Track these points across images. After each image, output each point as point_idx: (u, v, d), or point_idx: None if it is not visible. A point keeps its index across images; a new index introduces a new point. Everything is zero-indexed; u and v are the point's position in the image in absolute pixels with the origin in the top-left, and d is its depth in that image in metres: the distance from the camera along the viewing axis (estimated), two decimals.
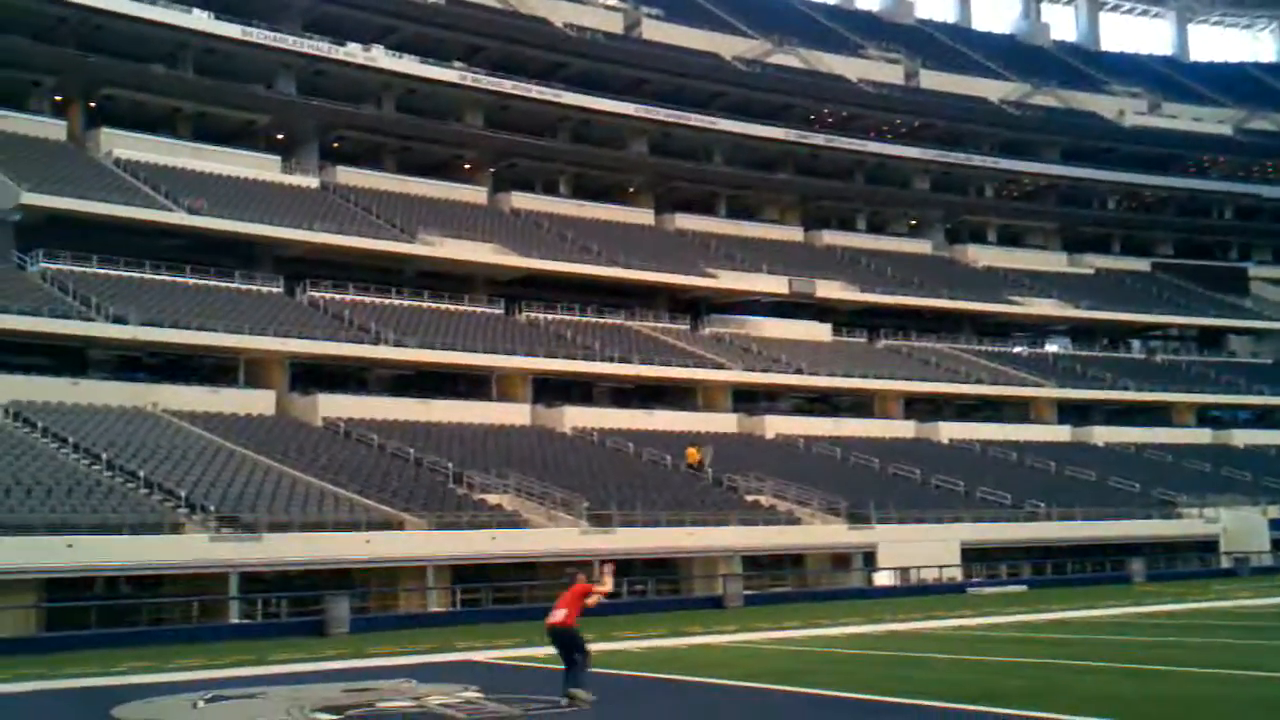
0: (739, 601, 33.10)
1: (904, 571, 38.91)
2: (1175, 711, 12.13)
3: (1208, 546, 47.04)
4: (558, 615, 14.08)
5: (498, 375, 46.82)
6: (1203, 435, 62.31)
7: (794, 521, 39.38)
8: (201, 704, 14.89)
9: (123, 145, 48.38)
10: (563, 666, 14.11)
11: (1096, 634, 22.44)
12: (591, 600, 14.27)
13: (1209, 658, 17.85)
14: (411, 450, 38.34)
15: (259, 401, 40.53)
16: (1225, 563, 45.62)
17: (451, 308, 49.93)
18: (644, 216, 64.05)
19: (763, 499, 40.75)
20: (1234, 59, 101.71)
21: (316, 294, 47.06)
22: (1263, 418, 66.89)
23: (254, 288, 45.71)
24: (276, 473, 33.53)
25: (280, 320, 42.98)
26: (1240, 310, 76.22)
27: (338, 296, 47.38)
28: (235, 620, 28.05)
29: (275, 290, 46.32)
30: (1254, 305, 77.66)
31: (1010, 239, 77.21)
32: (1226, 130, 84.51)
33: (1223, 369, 69.47)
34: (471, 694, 15.01)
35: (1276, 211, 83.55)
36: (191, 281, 44.16)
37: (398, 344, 44.11)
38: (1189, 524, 47.41)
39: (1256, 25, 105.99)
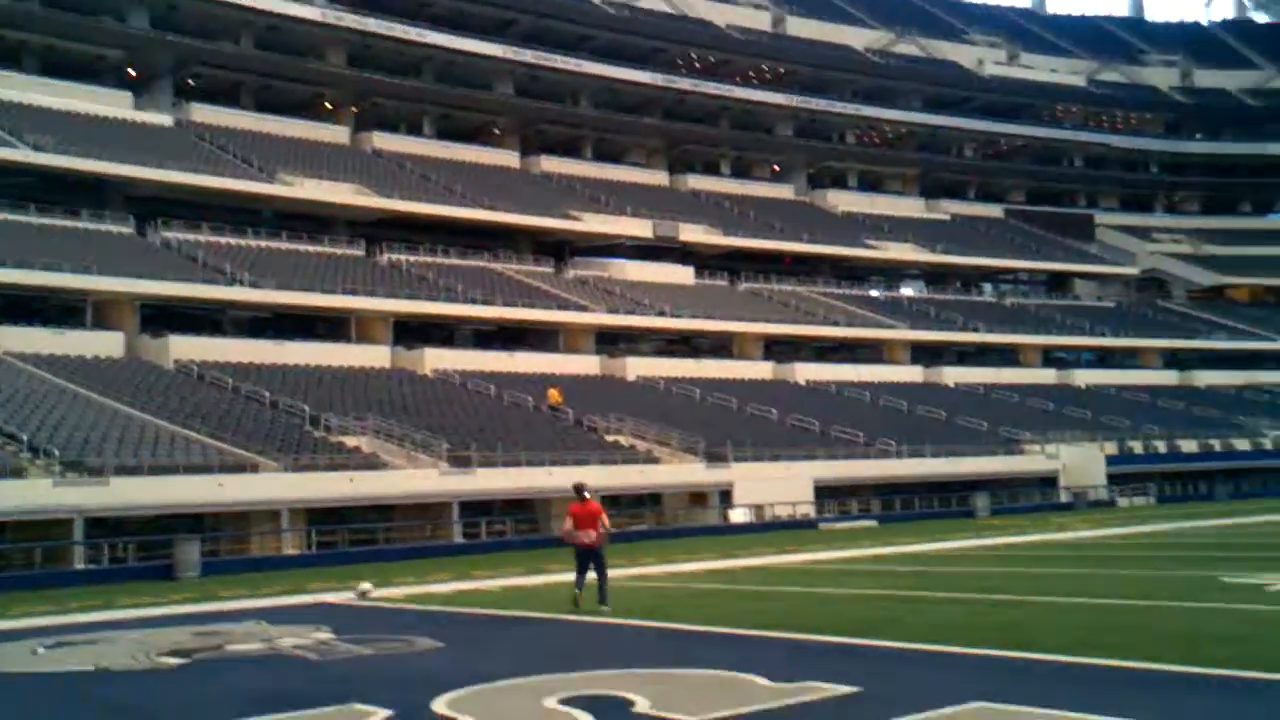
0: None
1: (759, 509, 39.74)
2: (1006, 636, 12.69)
3: (1049, 482, 49.05)
4: (590, 537, 15.95)
5: (357, 317, 46.23)
6: (1047, 375, 64.57)
7: (653, 461, 39.82)
8: (41, 650, 14.59)
9: None
10: (574, 576, 16.08)
11: (939, 566, 23.27)
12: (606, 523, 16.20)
13: (1044, 586, 18.66)
14: (267, 393, 37.69)
15: (107, 343, 39.41)
16: (1064, 497, 47.59)
17: (310, 249, 49.05)
18: (509, 159, 63.61)
19: (623, 439, 41.16)
20: (1089, 12, 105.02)
21: (169, 234, 45.80)
22: (1103, 359, 69.65)
23: (103, 227, 44.39)
24: (125, 416, 32.72)
25: (131, 261, 41.73)
26: (1086, 255, 79.08)
27: (191, 237, 46.16)
28: (80, 566, 27.40)
29: (126, 230, 45.00)
30: (1099, 251, 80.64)
31: (870, 185, 78.71)
32: (1080, 81, 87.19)
33: (1068, 312, 72.07)
34: (324, 635, 14.95)
35: (1123, 161, 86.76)
36: (37, 221, 42.71)
37: (253, 285, 43.23)
38: (1031, 460, 49.34)
39: None
